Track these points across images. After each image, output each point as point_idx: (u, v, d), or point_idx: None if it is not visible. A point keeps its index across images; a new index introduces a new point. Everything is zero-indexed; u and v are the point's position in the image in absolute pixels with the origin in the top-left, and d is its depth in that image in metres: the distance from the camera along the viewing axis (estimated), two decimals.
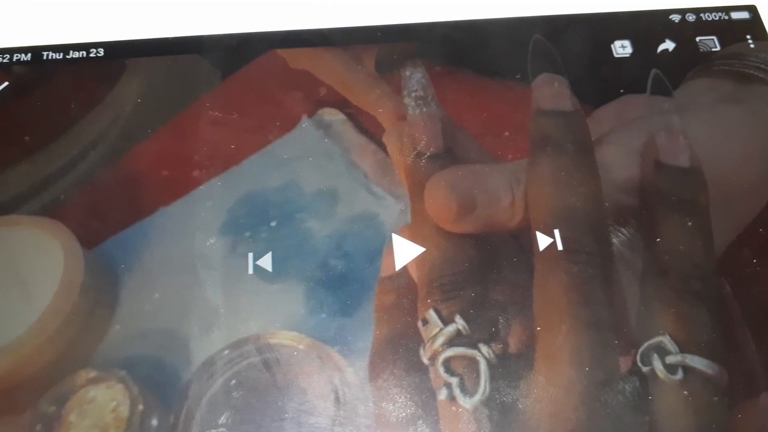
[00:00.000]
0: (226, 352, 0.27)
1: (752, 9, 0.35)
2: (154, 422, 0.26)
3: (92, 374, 0.26)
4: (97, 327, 0.27)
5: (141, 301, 0.28)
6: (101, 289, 0.28)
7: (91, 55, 0.33)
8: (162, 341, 0.27)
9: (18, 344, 0.27)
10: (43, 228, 0.29)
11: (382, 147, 0.31)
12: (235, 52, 0.34)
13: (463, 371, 0.26)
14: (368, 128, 0.32)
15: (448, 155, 0.31)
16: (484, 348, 0.27)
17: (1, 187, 0.30)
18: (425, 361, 0.27)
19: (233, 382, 0.26)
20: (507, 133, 0.31)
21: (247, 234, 0.29)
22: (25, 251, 0.29)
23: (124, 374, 0.26)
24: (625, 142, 0.31)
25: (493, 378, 0.26)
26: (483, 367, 0.27)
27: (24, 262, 0.29)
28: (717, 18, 0.35)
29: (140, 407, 0.26)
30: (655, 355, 0.27)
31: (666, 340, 0.27)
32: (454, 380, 0.26)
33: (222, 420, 0.26)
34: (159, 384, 0.26)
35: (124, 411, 0.26)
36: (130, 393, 0.26)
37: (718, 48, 0.34)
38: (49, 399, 0.26)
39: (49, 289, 0.28)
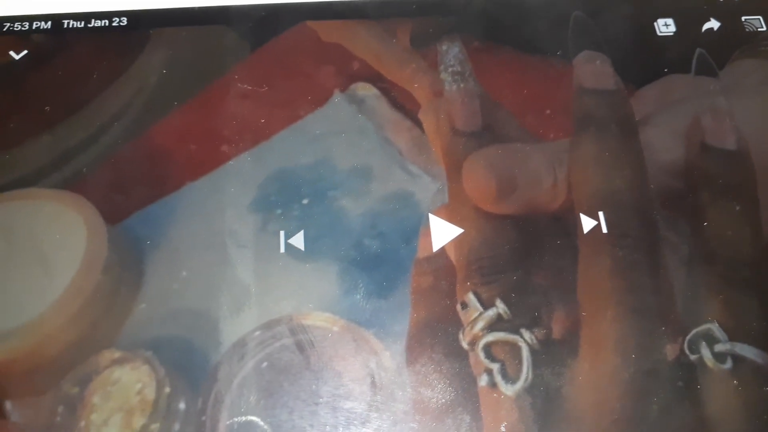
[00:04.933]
0: (258, 332, 0.26)
1: None
2: (182, 405, 0.25)
3: (117, 355, 0.26)
4: (122, 305, 0.26)
5: (168, 279, 0.27)
6: (126, 265, 0.27)
7: (114, 24, 0.32)
8: (190, 321, 0.26)
9: (39, 323, 0.26)
10: (64, 202, 0.28)
11: (418, 123, 0.30)
12: (264, 24, 0.33)
13: (504, 357, 0.26)
14: (403, 104, 0.31)
15: (487, 133, 0.30)
16: (526, 333, 0.26)
17: (21, 160, 0.29)
18: (465, 345, 0.26)
19: (265, 364, 0.26)
20: (548, 112, 0.30)
21: (279, 211, 0.28)
22: (47, 226, 0.28)
23: (150, 355, 0.26)
24: (669, 123, 0.30)
25: (535, 364, 0.26)
26: (525, 353, 0.26)
27: (45, 237, 0.28)
28: None
29: (167, 390, 0.25)
30: (704, 343, 0.26)
31: (714, 328, 0.26)
32: (495, 366, 0.25)
33: (253, 404, 0.25)
34: (187, 366, 0.26)
35: (150, 393, 0.25)
36: (156, 375, 0.25)
37: (764, 28, 0.33)
38: (71, 380, 0.25)
39: (71, 265, 0.27)
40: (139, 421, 0.25)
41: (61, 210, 0.28)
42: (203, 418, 0.25)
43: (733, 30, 0.33)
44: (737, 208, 0.28)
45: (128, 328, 0.26)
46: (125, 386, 0.25)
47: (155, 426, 0.24)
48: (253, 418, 0.25)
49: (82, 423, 0.24)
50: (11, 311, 0.26)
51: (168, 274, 0.27)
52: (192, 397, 0.25)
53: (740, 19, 0.33)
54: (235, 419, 0.25)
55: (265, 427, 0.25)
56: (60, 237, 0.28)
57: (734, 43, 0.33)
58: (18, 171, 0.29)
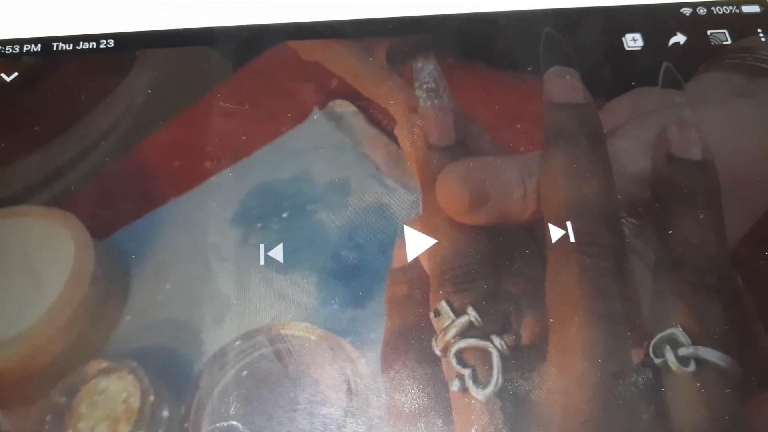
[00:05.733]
0: (238, 342, 0.27)
1: (763, 3, 0.35)
2: (165, 413, 0.26)
3: (103, 365, 0.26)
4: (108, 317, 0.27)
5: (152, 291, 0.28)
6: (112, 279, 0.28)
7: (101, 46, 0.33)
8: (173, 332, 0.27)
9: (28, 335, 0.27)
10: (53, 219, 0.29)
11: (394, 139, 0.31)
12: (246, 44, 0.33)
13: (475, 362, 0.26)
14: (380, 120, 0.32)
15: (460, 147, 0.31)
16: (496, 339, 0.27)
17: (11, 178, 0.30)
18: (437, 352, 0.27)
19: (245, 373, 0.26)
20: (519, 125, 0.31)
21: (259, 225, 0.29)
22: (36, 242, 0.29)
23: (136, 365, 0.26)
24: (637, 135, 0.31)
25: (505, 369, 0.26)
26: (495, 358, 0.26)
27: (34, 252, 0.29)
28: (728, 11, 0.35)
29: (151, 398, 0.26)
30: (668, 347, 0.27)
31: (678, 332, 0.27)
32: (466, 371, 0.26)
33: (233, 411, 0.26)
34: (170, 375, 0.26)
35: (135, 402, 0.26)
36: (141, 384, 0.26)
37: (729, 41, 0.34)
38: (59, 390, 0.26)
39: (59, 279, 0.28)
40: (124, 428, 0.25)
41: (50, 226, 0.29)
42: (186, 425, 0.25)
43: (699, 44, 0.34)
44: (702, 216, 0.29)
45: (114, 339, 0.27)
46: (111, 395, 0.26)
47: None
48: (234, 422, 0.25)
49: (70, 431, 0.25)
50: (1, 324, 0.27)
51: (152, 287, 0.28)
52: (175, 405, 0.26)
53: (706, 33, 0.34)
54: (217, 425, 0.25)
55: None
56: (49, 252, 0.28)
57: (700, 56, 0.34)
58: (9, 188, 0.30)
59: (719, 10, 0.35)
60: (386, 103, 0.32)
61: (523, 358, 0.27)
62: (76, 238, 0.28)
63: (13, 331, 0.27)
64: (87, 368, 0.26)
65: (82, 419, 0.25)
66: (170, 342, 0.27)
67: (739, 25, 0.34)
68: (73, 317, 0.27)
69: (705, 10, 0.34)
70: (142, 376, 0.26)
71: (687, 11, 0.34)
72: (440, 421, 0.25)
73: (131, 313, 0.27)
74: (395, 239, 0.29)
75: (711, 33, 0.34)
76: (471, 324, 0.27)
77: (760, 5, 0.35)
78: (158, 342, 0.27)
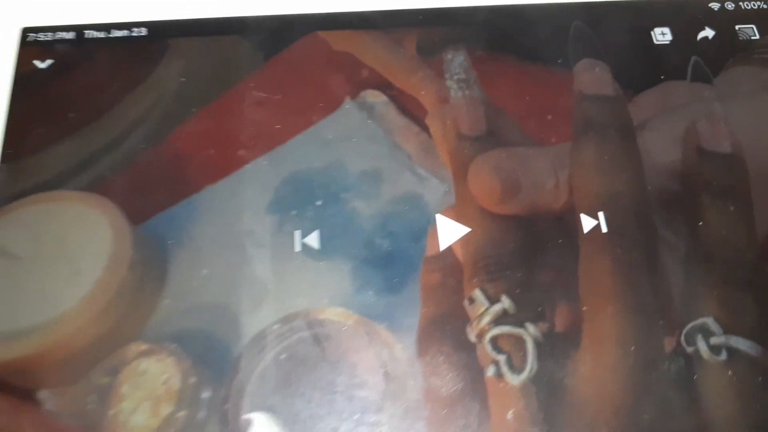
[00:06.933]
0: (276, 326, 0.27)
1: None
2: (206, 395, 0.26)
3: (143, 347, 0.27)
4: (147, 301, 0.27)
5: (190, 276, 0.28)
6: (150, 263, 0.28)
7: (134, 34, 0.33)
8: (212, 316, 0.27)
9: (69, 317, 0.27)
10: (89, 204, 0.29)
11: (425, 129, 0.31)
12: (277, 34, 0.34)
13: (510, 349, 0.27)
14: (411, 110, 0.32)
15: (491, 138, 0.31)
16: (530, 327, 0.27)
17: (47, 164, 0.30)
18: (472, 338, 0.27)
19: (284, 355, 0.27)
20: (550, 117, 0.31)
21: (294, 212, 0.29)
22: (73, 226, 0.29)
23: (175, 347, 0.26)
24: (667, 128, 0.31)
25: (540, 356, 0.27)
26: (530, 345, 0.27)
27: (72, 237, 0.29)
28: (756, 6, 0.35)
29: (192, 380, 0.26)
30: (700, 335, 0.27)
31: (710, 322, 0.27)
32: (501, 358, 0.26)
33: (273, 393, 0.26)
34: (210, 357, 0.27)
35: (176, 383, 0.26)
36: (181, 366, 0.26)
37: (758, 36, 0.34)
38: (101, 370, 0.26)
39: (98, 263, 0.28)
40: (166, 409, 0.26)
41: (86, 211, 0.29)
42: (226, 406, 0.26)
43: (727, 38, 0.34)
44: (732, 208, 0.30)
45: (153, 322, 0.27)
46: (152, 377, 0.26)
47: (181, 414, 0.26)
48: (260, 413, 0.26)
49: (113, 411, 0.26)
50: (42, 307, 0.27)
51: (190, 272, 0.28)
52: (216, 387, 0.26)
53: (734, 28, 0.34)
54: (246, 416, 0.26)
55: (270, 420, 0.26)
56: (86, 237, 0.29)
57: (728, 51, 0.34)
58: (44, 175, 0.30)
59: (747, 5, 0.35)
60: (417, 93, 0.32)
61: (557, 346, 0.27)
62: (113, 222, 0.29)
63: (54, 314, 0.27)
64: (127, 350, 0.27)
65: (125, 399, 0.26)
66: (209, 325, 0.27)
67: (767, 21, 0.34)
68: (113, 301, 0.27)
69: (733, 5, 0.35)
70: (183, 358, 0.26)
71: (715, 6, 0.35)
72: (477, 405, 0.26)
73: (169, 297, 0.28)
74: (428, 228, 0.29)
75: (739, 28, 0.34)
76: (505, 312, 0.27)
77: None
78: (197, 325, 0.27)
